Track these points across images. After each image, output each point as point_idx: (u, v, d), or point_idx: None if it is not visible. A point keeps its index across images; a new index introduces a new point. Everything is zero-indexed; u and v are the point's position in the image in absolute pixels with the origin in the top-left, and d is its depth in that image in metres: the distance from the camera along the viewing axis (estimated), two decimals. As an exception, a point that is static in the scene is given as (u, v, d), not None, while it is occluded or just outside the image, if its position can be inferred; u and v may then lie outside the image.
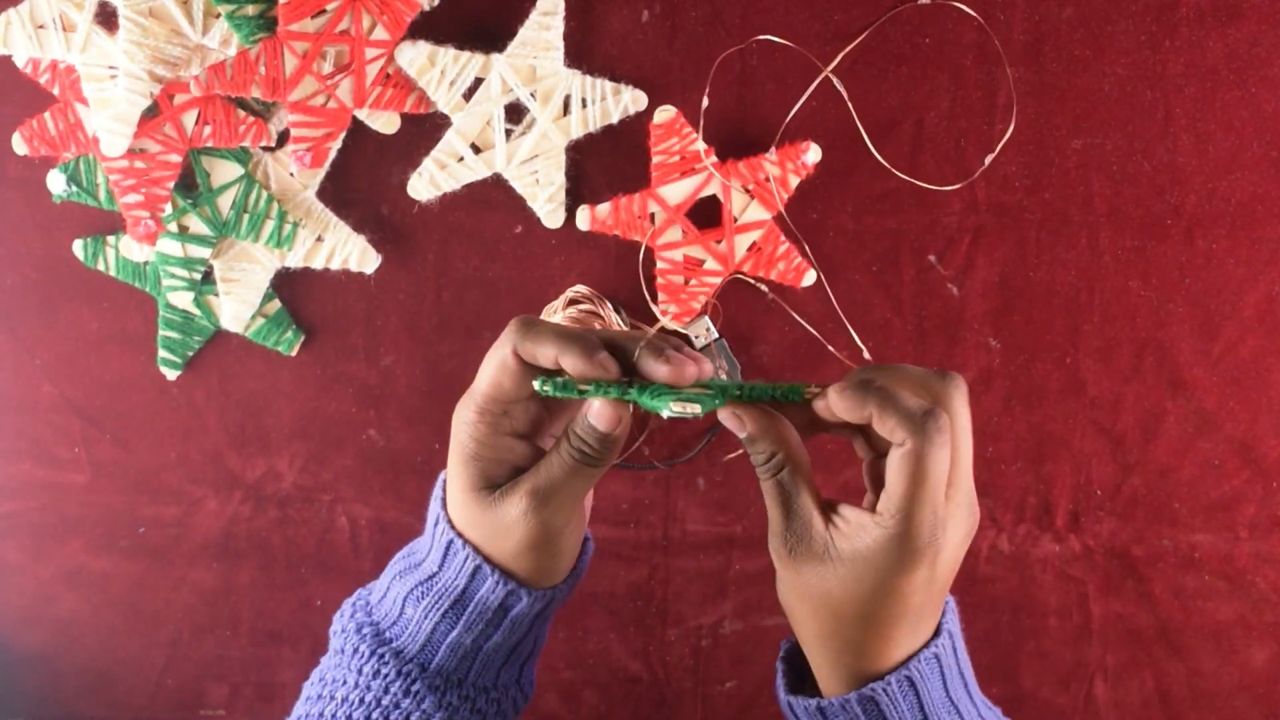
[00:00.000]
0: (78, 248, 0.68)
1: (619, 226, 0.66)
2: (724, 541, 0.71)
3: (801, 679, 0.48)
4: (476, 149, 0.65)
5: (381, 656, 0.47)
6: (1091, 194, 0.66)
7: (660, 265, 0.67)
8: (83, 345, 0.71)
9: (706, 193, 0.66)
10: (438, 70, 0.63)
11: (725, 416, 0.44)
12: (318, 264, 0.67)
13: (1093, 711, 0.72)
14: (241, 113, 0.65)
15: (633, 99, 0.65)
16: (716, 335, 0.67)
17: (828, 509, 0.43)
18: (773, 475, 0.44)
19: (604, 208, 0.66)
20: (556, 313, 0.68)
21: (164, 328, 0.69)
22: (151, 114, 0.64)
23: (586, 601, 0.72)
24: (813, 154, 0.65)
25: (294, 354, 0.70)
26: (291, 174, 0.67)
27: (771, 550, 0.45)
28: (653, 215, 0.66)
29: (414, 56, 0.63)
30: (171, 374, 0.70)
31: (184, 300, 0.68)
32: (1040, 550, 0.70)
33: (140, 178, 0.65)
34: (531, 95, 0.64)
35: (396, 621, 0.48)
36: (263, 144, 0.65)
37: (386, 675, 0.47)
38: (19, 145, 0.66)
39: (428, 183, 0.66)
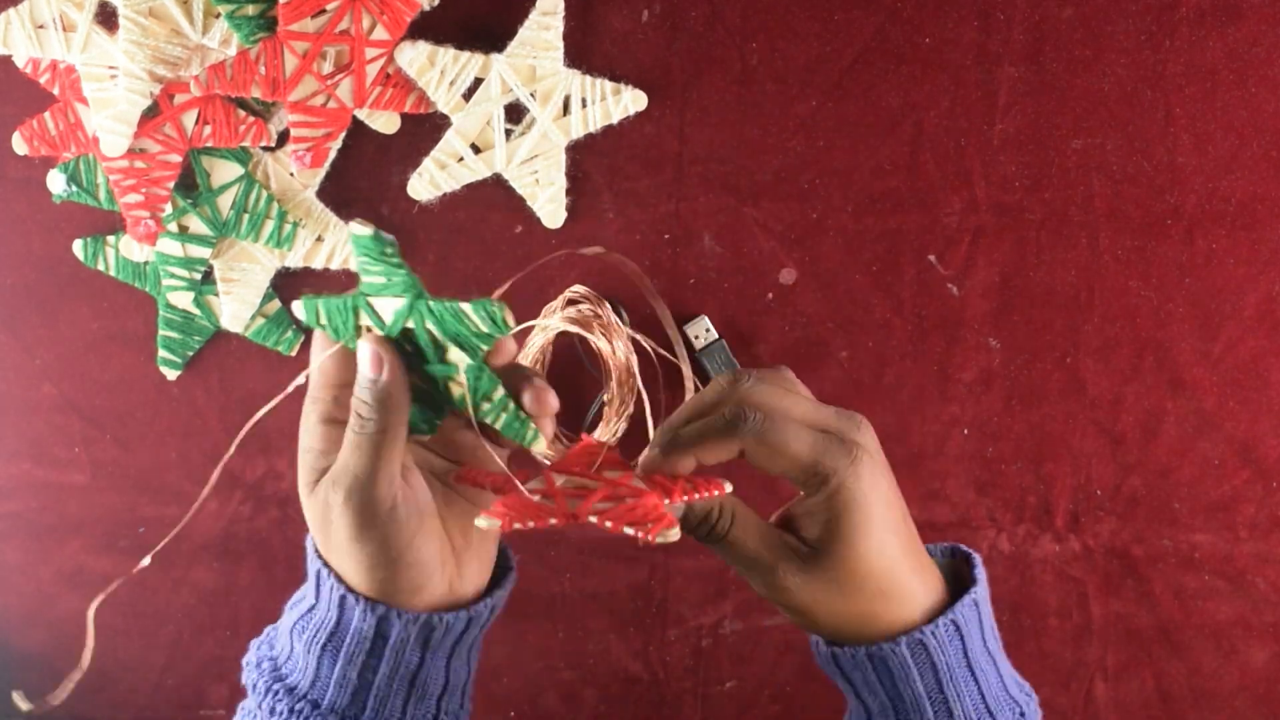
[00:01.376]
0: (78, 248, 0.68)
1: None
2: (724, 541, 0.71)
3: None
4: (476, 149, 0.65)
5: (276, 693, 0.46)
6: (1091, 194, 0.66)
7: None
8: (83, 345, 0.71)
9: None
10: (437, 70, 0.63)
11: (663, 530, 0.40)
12: (318, 264, 0.67)
13: (1093, 711, 0.72)
14: (241, 113, 0.65)
15: (633, 99, 0.65)
16: (716, 336, 0.67)
17: (782, 526, 0.46)
18: (727, 534, 0.45)
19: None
20: (555, 313, 0.68)
21: (164, 328, 0.69)
22: (151, 114, 0.64)
23: (586, 601, 0.72)
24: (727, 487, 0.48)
25: (294, 354, 0.70)
26: (291, 174, 0.67)
27: (772, 589, 0.45)
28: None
29: (414, 56, 0.63)
30: (171, 374, 0.70)
31: (184, 300, 0.68)
32: (1040, 550, 0.70)
33: (140, 177, 0.65)
34: (531, 95, 0.64)
35: (290, 657, 0.46)
36: (263, 144, 0.65)
37: (280, 713, 0.45)
38: (19, 145, 0.66)
39: (428, 183, 0.66)
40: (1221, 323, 0.67)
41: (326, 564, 0.45)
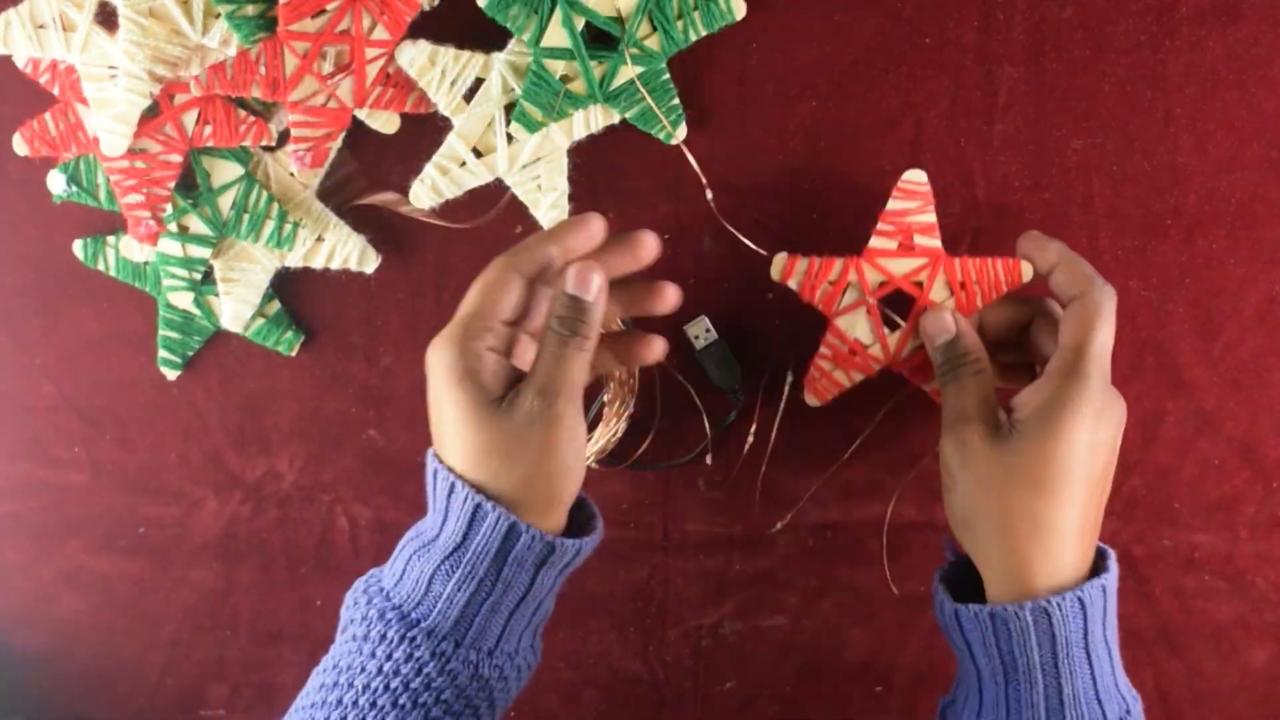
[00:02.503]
0: (78, 248, 0.68)
1: (807, 289, 0.62)
2: (724, 541, 0.71)
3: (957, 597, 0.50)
4: (478, 153, 0.65)
5: (413, 640, 0.46)
6: (1091, 194, 0.66)
7: (823, 350, 0.63)
8: (83, 345, 0.71)
9: (916, 280, 0.62)
10: (438, 70, 0.63)
11: (931, 321, 0.51)
12: (318, 264, 0.67)
13: (1093, 711, 0.72)
14: (242, 112, 0.65)
15: None
16: (716, 336, 0.67)
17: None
18: (976, 375, 0.49)
19: (803, 264, 0.61)
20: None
21: (164, 328, 0.69)
22: (152, 114, 0.64)
23: (586, 601, 0.72)
24: (1028, 271, 0.61)
25: (294, 354, 0.70)
26: (292, 174, 0.67)
27: (961, 448, 0.48)
28: (846, 286, 0.62)
29: (414, 56, 0.63)
30: (171, 374, 0.70)
31: (184, 300, 0.68)
32: (1040, 550, 0.70)
33: (141, 178, 0.65)
34: None
35: (423, 601, 0.47)
36: (263, 144, 0.65)
37: (419, 658, 0.46)
38: (19, 146, 0.66)
39: (430, 189, 0.65)
40: (1221, 323, 0.67)
41: (460, 476, 0.46)
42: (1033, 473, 0.46)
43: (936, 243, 0.63)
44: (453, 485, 0.46)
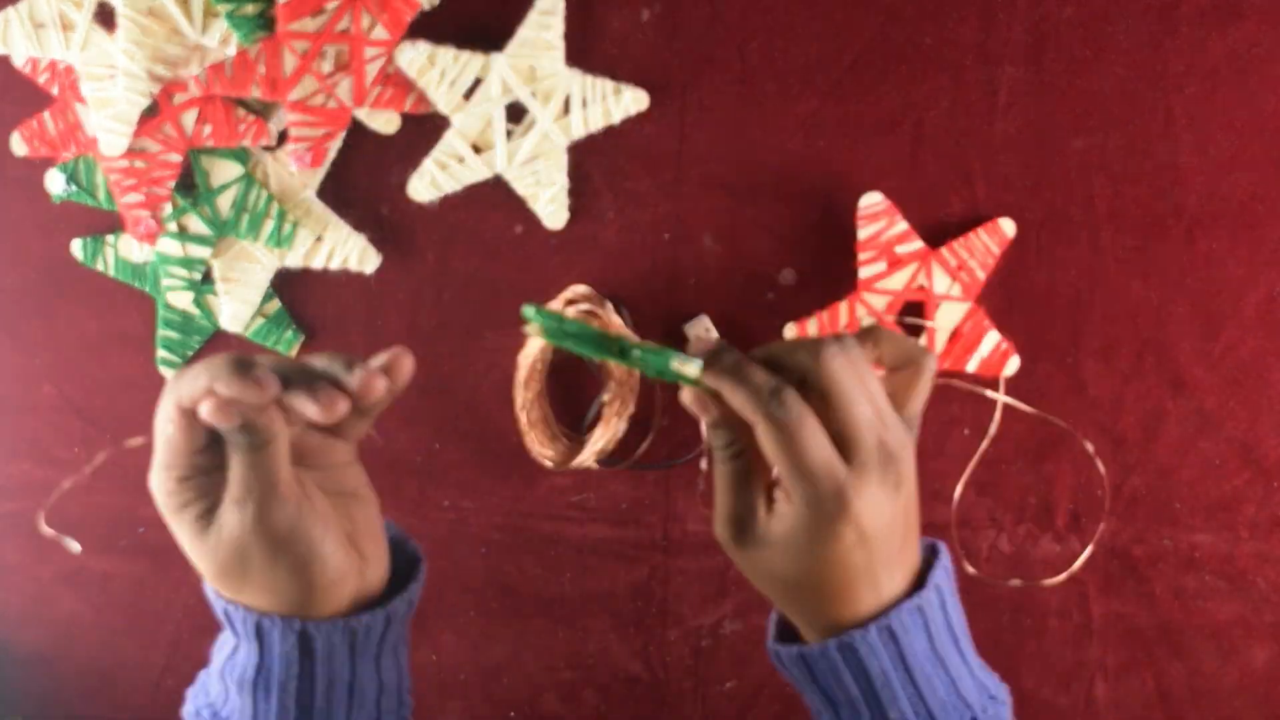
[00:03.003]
0: (77, 248, 0.68)
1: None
2: (724, 541, 0.71)
3: (794, 634, 0.48)
4: (477, 149, 0.65)
5: None
6: (1092, 194, 0.66)
7: None
8: (82, 345, 0.71)
9: (917, 284, 0.64)
10: (437, 71, 0.63)
11: (690, 400, 0.44)
12: (318, 264, 0.67)
13: (1093, 711, 0.72)
14: (241, 112, 0.65)
15: (634, 99, 0.64)
16: (716, 336, 0.67)
17: (770, 494, 0.44)
18: (727, 464, 0.44)
19: (812, 323, 0.65)
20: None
21: (164, 328, 0.69)
22: (151, 113, 0.64)
23: (586, 601, 0.72)
24: (1009, 226, 0.64)
25: (294, 354, 0.70)
26: (291, 173, 0.67)
27: (716, 534, 0.45)
28: (860, 321, 0.65)
29: (414, 57, 0.63)
30: (171, 374, 0.70)
31: (184, 300, 0.68)
32: (1040, 550, 0.70)
33: (140, 177, 0.65)
34: (532, 95, 0.64)
35: (226, 701, 0.46)
36: (262, 143, 0.65)
37: None
38: (18, 145, 0.66)
39: (428, 184, 0.65)
40: (1221, 323, 0.67)
41: (231, 601, 0.45)
42: (805, 582, 0.43)
43: (918, 244, 0.64)
44: (226, 610, 0.45)
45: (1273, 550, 0.69)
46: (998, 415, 0.68)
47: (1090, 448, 0.68)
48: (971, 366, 0.66)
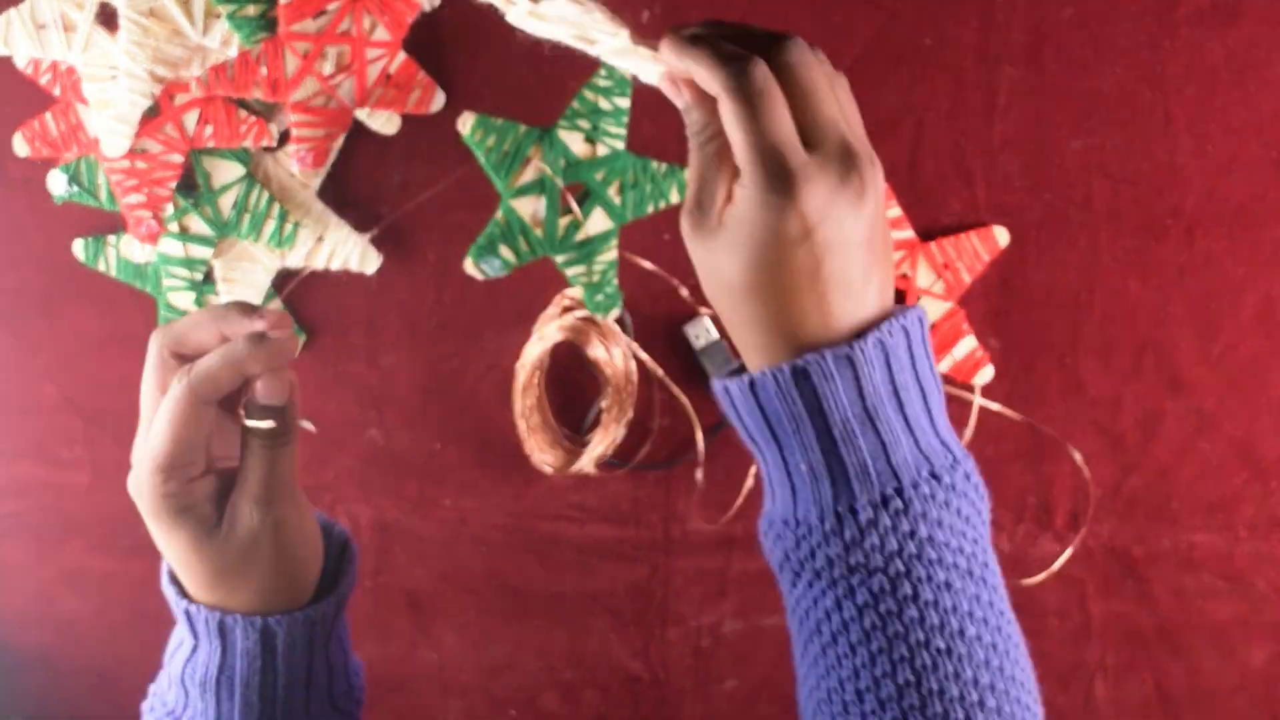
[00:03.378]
0: (78, 248, 0.68)
1: None
2: (724, 541, 0.71)
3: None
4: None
5: None
6: (1091, 194, 0.66)
7: None
8: (84, 345, 0.71)
9: (900, 272, 0.64)
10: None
11: (663, 83, 0.41)
12: (318, 264, 0.67)
13: (1093, 711, 0.72)
14: (243, 113, 0.65)
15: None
16: (716, 336, 0.67)
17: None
18: (702, 147, 0.41)
19: None
20: (551, 320, 0.68)
21: (165, 328, 0.69)
22: (152, 114, 0.64)
23: (586, 601, 0.72)
24: (1002, 235, 0.64)
25: (294, 354, 0.70)
26: (293, 174, 0.67)
27: (681, 224, 0.41)
28: None
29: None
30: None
31: (185, 300, 0.68)
32: (1040, 550, 0.70)
33: (142, 178, 0.65)
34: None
35: (186, 705, 0.46)
36: (264, 144, 0.65)
37: None
38: (20, 146, 0.66)
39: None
40: (1221, 323, 0.67)
41: (193, 600, 0.45)
42: (751, 281, 0.39)
43: (909, 233, 0.65)
44: (188, 610, 0.45)
45: (1272, 550, 0.69)
46: (973, 420, 0.68)
47: (1078, 456, 0.68)
48: (944, 367, 0.66)
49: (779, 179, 0.38)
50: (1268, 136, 0.65)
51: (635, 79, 0.42)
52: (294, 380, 0.43)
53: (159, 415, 0.43)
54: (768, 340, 0.40)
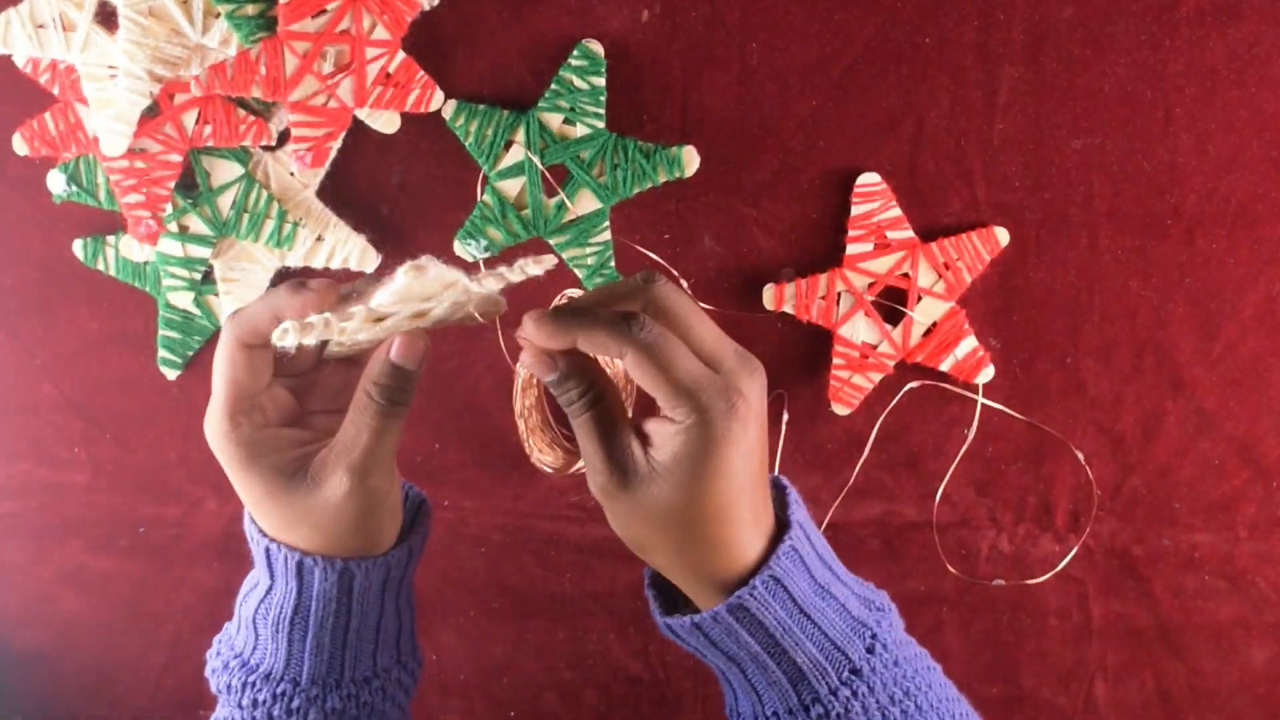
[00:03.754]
0: (78, 248, 0.68)
1: (802, 310, 0.65)
2: (724, 541, 0.71)
3: (674, 601, 0.48)
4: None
5: (254, 685, 0.46)
6: (1091, 194, 0.66)
7: (836, 360, 0.66)
8: (83, 345, 0.71)
9: (901, 272, 0.65)
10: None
11: (531, 360, 0.43)
12: (318, 264, 0.67)
13: (1093, 711, 0.72)
14: (242, 112, 0.65)
15: (687, 157, 0.64)
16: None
17: (638, 431, 0.43)
18: (586, 411, 0.43)
19: (790, 288, 0.66)
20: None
21: (164, 328, 0.69)
22: (152, 114, 0.64)
23: (586, 601, 0.72)
24: (1003, 235, 0.65)
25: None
26: (292, 173, 0.67)
27: (596, 489, 0.43)
28: (839, 295, 0.65)
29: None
30: (171, 374, 0.70)
31: (184, 300, 0.68)
32: (1040, 550, 0.70)
33: (141, 177, 0.65)
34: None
35: (256, 646, 0.47)
36: (263, 143, 0.65)
37: (264, 702, 0.46)
38: (19, 145, 0.66)
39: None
40: (1221, 323, 0.67)
41: (274, 540, 0.46)
42: (696, 516, 0.42)
43: (909, 233, 0.65)
44: (268, 549, 0.46)
45: (1272, 550, 0.69)
46: (976, 419, 0.68)
47: (1080, 455, 0.68)
48: (945, 366, 0.66)
49: (717, 403, 0.41)
50: (1268, 136, 0.65)
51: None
52: (428, 348, 0.44)
53: (214, 364, 0.44)
54: (704, 571, 0.44)
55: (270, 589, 0.47)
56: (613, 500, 0.43)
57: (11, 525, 0.73)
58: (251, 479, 0.44)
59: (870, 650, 0.45)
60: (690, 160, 0.63)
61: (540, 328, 0.42)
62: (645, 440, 0.43)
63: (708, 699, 0.73)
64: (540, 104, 0.60)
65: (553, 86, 0.60)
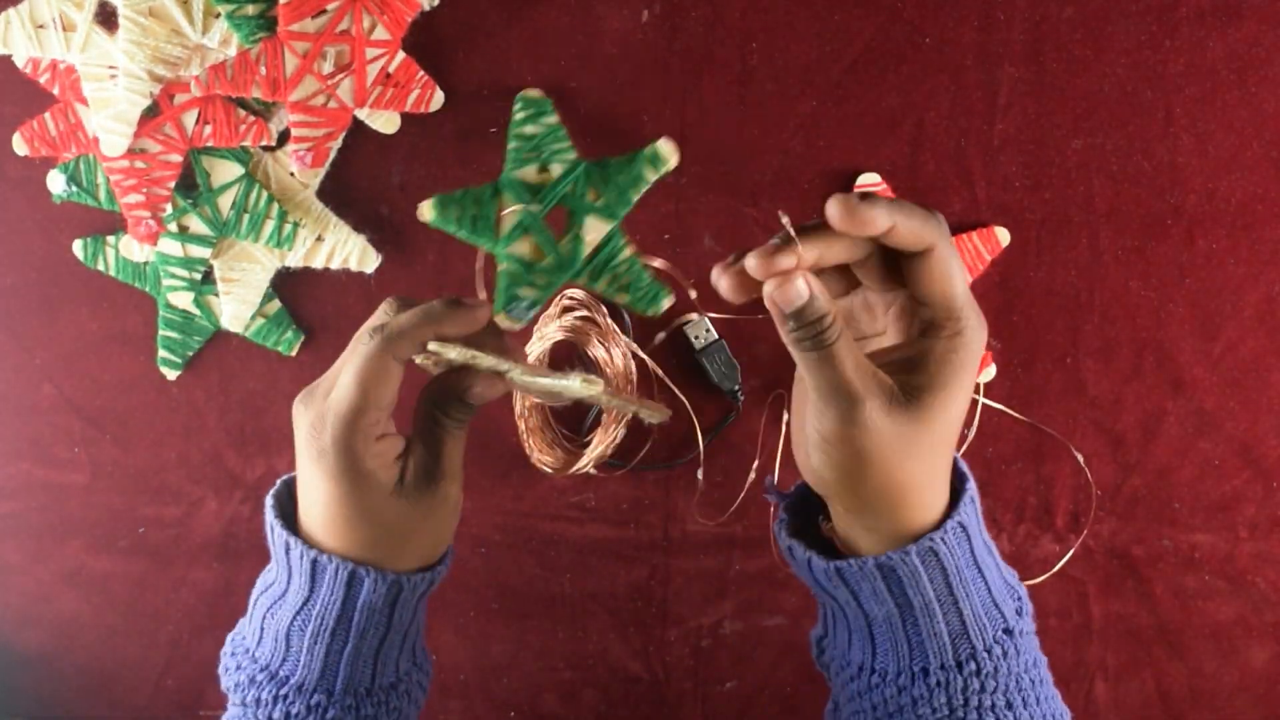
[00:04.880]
0: (78, 248, 0.68)
1: None
2: (724, 541, 0.71)
3: (803, 528, 0.49)
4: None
5: (286, 698, 0.46)
6: (1091, 194, 0.66)
7: None
8: (83, 345, 0.71)
9: None
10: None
11: (781, 292, 0.42)
12: (318, 264, 0.67)
13: (1093, 711, 0.72)
14: (242, 112, 0.65)
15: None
16: (716, 336, 0.67)
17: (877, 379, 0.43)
18: (841, 338, 0.42)
19: None
20: (551, 320, 0.67)
21: (164, 328, 0.69)
22: (152, 114, 0.64)
23: (586, 601, 0.72)
24: (1004, 235, 0.66)
25: (294, 354, 0.70)
26: (292, 173, 0.67)
27: (841, 425, 0.42)
28: None
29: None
30: (171, 374, 0.70)
31: (184, 300, 0.68)
32: (1040, 550, 0.70)
33: (141, 178, 0.65)
34: None
35: (286, 659, 0.46)
36: (263, 143, 0.65)
37: (298, 715, 0.46)
38: (19, 145, 0.66)
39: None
40: (1221, 323, 0.67)
41: (322, 549, 0.45)
42: (936, 437, 0.42)
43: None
44: (288, 543, 0.46)
45: (1273, 550, 0.69)
46: (976, 419, 0.68)
47: (1079, 457, 0.68)
48: None
49: (978, 325, 0.42)
50: (1268, 136, 0.65)
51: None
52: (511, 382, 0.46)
53: (348, 368, 0.44)
54: (896, 515, 0.44)
55: (310, 599, 0.46)
56: (873, 433, 0.42)
57: (11, 525, 0.73)
58: (355, 493, 0.44)
59: (1019, 613, 0.46)
60: (667, 150, 0.63)
61: (859, 211, 0.42)
62: (884, 373, 0.43)
63: (708, 699, 0.73)
64: (508, 167, 0.60)
65: (510, 146, 0.60)
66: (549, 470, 0.69)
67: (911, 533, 0.44)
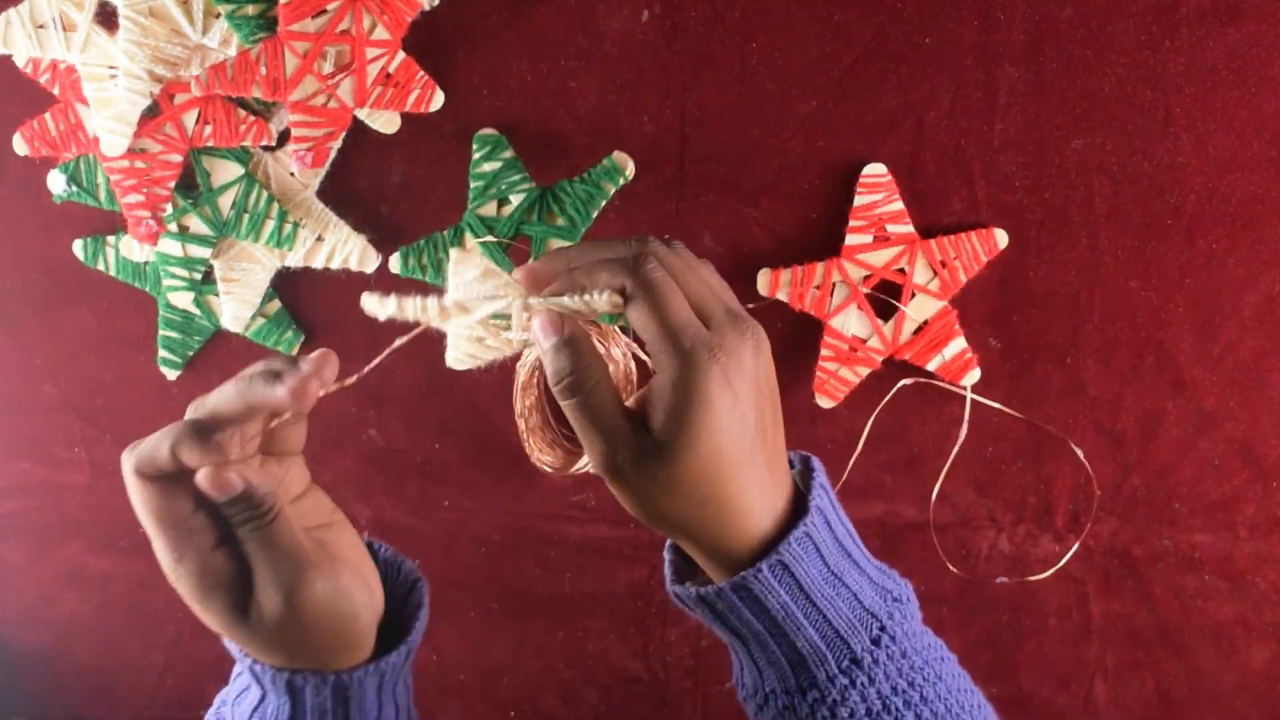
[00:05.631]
0: (78, 248, 0.68)
1: (796, 298, 0.65)
2: (724, 541, 0.71)
3: (691, 570, 0.48)
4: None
5: None
6: (1091, 194, 0.66)
7: (825, 351, 0.66)
8: (83, 345, 0.71)
9: (897, 267, 0.65)
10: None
11: (542, 325, 0.42)
12: (318, 264, 0.67)
13: (1093, 711, 0.72)
14: (242, 112, 0.65)
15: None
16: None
17: (631, 412, 0.43)
18: (587, 385, 0.42)
19: (786, 275, 0.65)
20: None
21: (164, 328, 0.69)
22: (152, 114, 0.64)
23: (586, 601, 0.72)
24: (1002, 238, 0.65)
25: (294, 354, 0.70)
26: (292, 173, 0.67)
27: (603, 469, 0.42)
28: (834, 286, 0.65)
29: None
30: (171, 374, 0.70)
31: (184, 300, 0.68)
32: (1040, 550, 0.70)
33: (141, 177, 0.65)
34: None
35: None
36: (263, 143, 0.65)
37: None
38: (20, 145, 0.66)
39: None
40: (1221, 323, 0.67)
41: (258, 660, 0.44)
42: (697, 475, 0.41)
43: (909, 228, 0.65)
44: (252, 668, 0.44)
45: (1272, 550, 0.69)
46: (966, 417, 0.68)
47: (1080, 453, 0.68)
48: (932, 366, 0.66)
49: (699, 352, 0.40)
50: (1268, 136, 0.65)
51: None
52: (248, 461, 0.42)
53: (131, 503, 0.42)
54: (718, 544, 0.43)
55: (263, 700, 0.45)
56: (629, 482, 0.42)
57: (11, 525, 0.73)
58: (211, 615, 0.42)
59: (875, 641, 0.44)
60: (622, 162, 0.64)
61: (546, 260, 0.42)
62: (643, 414, 0.42)
63: (708, 699, 0.73)
64: (470, 205, 0.62)
65: (472, 186, 0.62)
66: (549, 470, 0.69)
67: (739, 557, 0.43)
